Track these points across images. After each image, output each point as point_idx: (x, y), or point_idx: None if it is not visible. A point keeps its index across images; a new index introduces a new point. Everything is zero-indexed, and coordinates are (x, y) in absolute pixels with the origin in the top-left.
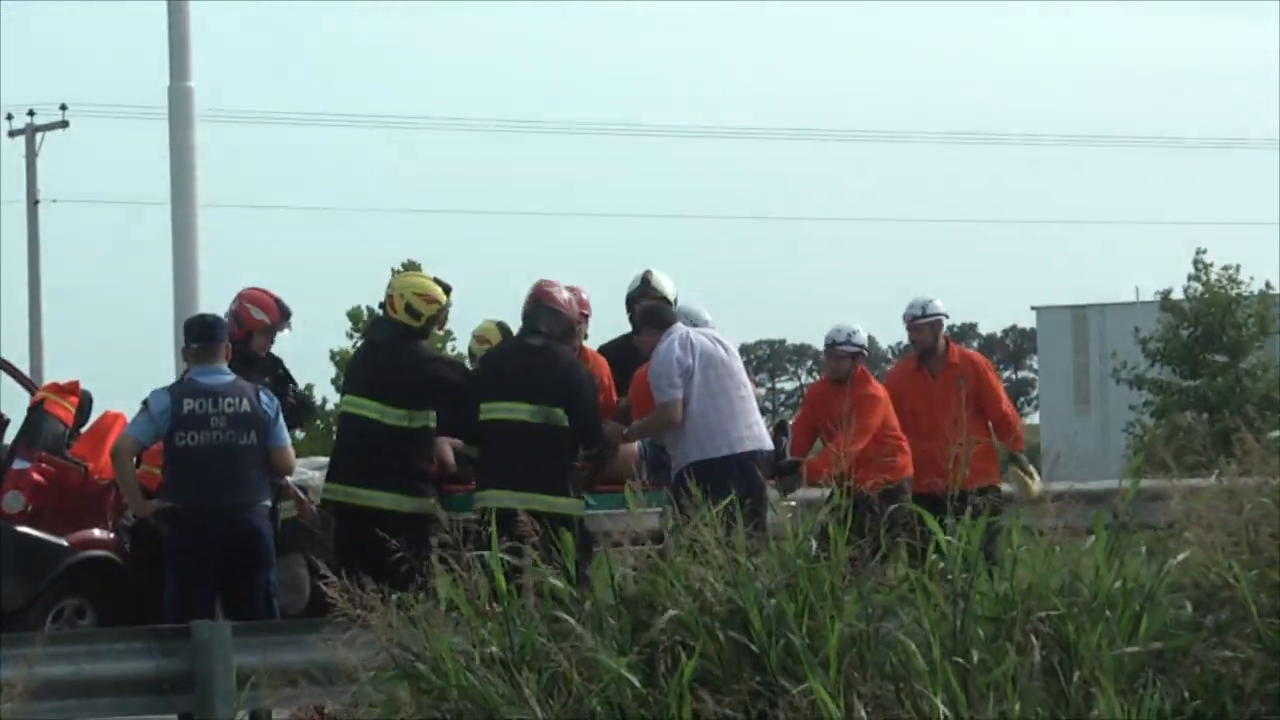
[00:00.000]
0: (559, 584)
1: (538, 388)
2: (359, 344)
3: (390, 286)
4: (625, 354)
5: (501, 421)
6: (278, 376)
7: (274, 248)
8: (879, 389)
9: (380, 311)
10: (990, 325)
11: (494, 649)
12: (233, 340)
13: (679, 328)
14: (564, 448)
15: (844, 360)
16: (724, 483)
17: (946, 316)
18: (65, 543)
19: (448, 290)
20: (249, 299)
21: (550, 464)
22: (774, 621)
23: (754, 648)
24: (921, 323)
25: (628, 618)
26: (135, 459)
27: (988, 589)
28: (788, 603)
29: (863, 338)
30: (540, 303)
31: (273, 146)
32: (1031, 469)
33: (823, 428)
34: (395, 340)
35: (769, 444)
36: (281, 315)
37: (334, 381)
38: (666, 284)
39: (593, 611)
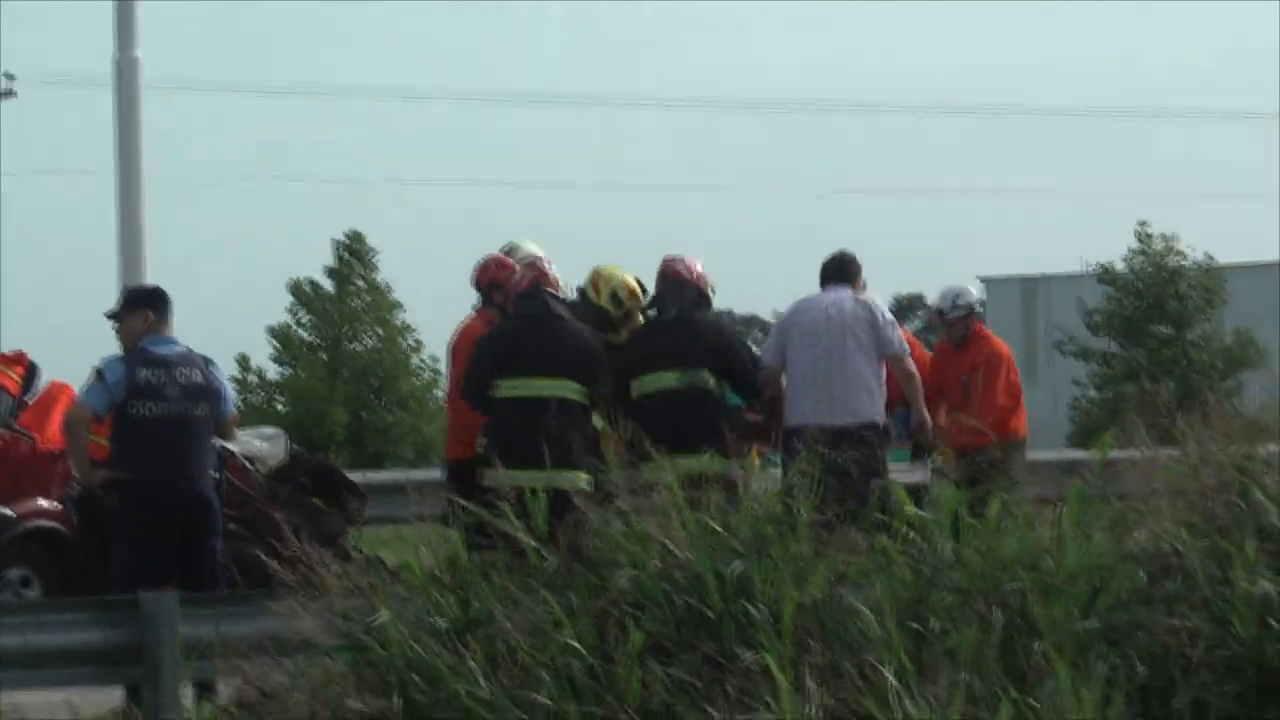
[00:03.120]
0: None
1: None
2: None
3: (595, 273)
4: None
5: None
6: None
7: (217, 219)
8: (1000, 345)
9: (577, 296)
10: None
11: (443, 620)
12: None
13: None
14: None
15: (957, 325)
16: None
17: (980, 305)
18: (12, 513)
19: (644, 290)
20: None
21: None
22: (733, 588)
23: (710, 614)
24: (952, 316)
25: (586, 579)
26: None
27: (953, 560)
28: (755, 569)
29: (972, 297)
30: (666, 279)
31: (215, 117)
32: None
33: (946, 390)
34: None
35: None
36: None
37: (274, 358)
38: (536, 253)
39: (555, 573)
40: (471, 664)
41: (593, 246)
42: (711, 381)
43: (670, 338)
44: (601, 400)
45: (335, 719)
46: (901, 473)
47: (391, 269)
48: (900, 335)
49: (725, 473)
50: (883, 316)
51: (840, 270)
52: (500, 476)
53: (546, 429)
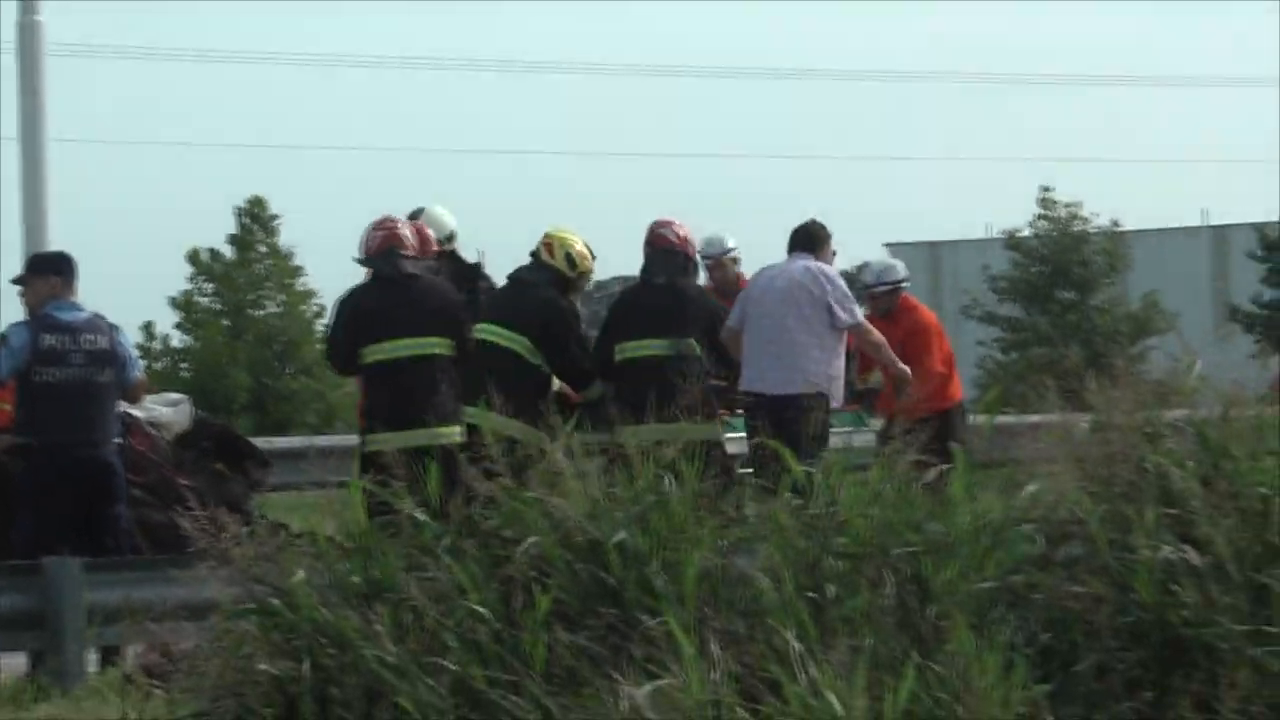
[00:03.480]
0: (423, 516)
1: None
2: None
3: (547, 236)
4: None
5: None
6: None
7: (118, 185)
8: (928, 315)
9: (530, 258)
10: (843, 261)
11: (350, 583)
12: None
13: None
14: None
15: (881, 299)
16: None
17: (907, 281)
18: None
19: (594, 257)
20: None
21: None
22: (630, 556)
23: (611, 581)
24: (878, 291)
25: (485, 551)
26: None
27: (852, 523)
28: (642, 537)
29: (898, 274)
30: (655, 244)
31: (117, 81)
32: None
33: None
34: (546, 283)
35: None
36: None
37: (178, 325)
38: (446, 219)
39: (451, 544)
40: (379, 628)
41: (492, 213)
42: (698, 349)
43: (659, 305)
44: (567, 362)
45: (244, 682)
46: (844, 437)
47: (294, 235)
48: (855, 302)
49: (709, 438)
50: (832, 288)
51: (803, 239)
52: (378, 440)
53: (417, 389)
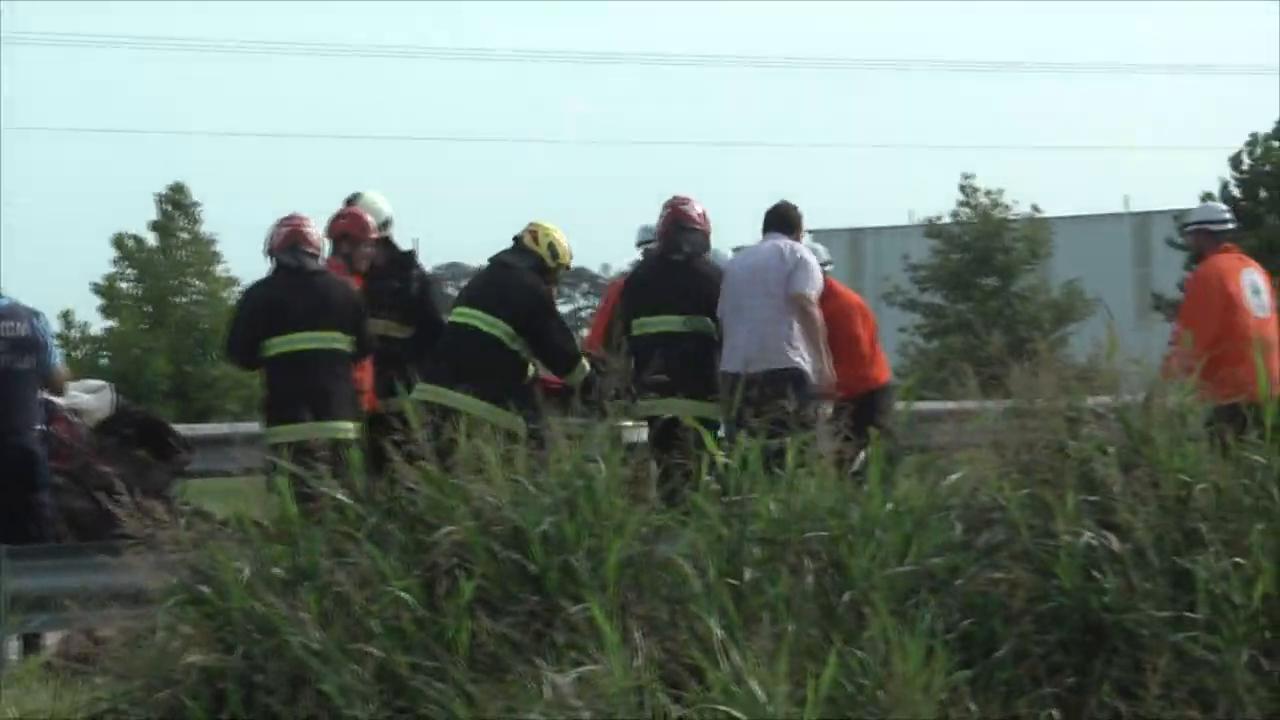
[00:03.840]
0: (346, 500)
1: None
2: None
3: (532, 225)
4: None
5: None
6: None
7: (44, 171)
8: (851, 297)
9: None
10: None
11: (278, 570)
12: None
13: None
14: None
15: None
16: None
17: (829, 265)
18: None
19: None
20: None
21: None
22: (553, 542)
23: (533, 568)
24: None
25: (410, 536)
26: None
27: (763, 510)
28: (566, 523)
29: (821, 255)
30: (680, 223)
31: (39, 67)
32: None
33: None
34: (528, 269)
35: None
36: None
37: (101, 310)
38: (381, 206)
39: (375, 529)
40: (304, 615)
41: (419, 199)
42: (712, 327)
43: (677, 281)
44: (549, 347)
45: (174, 668)
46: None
47: (215, 222)
48: (812, 276)
49: (710, 416)
50: (793, 257)
51: (776, 220)
52: (278, 433)
53: (317, 383)
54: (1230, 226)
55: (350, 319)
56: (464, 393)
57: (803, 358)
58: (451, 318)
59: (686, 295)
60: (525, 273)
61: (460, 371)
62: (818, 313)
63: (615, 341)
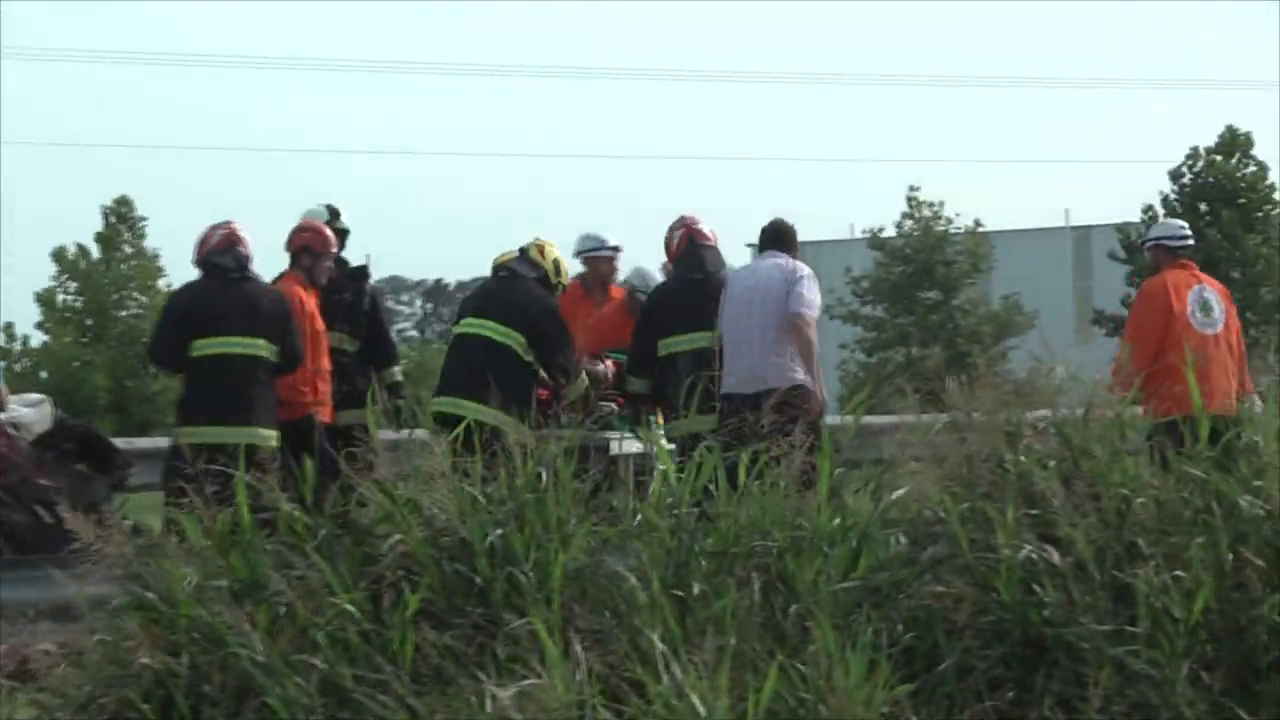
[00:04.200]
0: (295, 513)
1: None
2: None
3: (538, 240)
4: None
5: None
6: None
7: None
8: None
9: (519, 253)
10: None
11: (225, 581)
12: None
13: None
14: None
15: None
16: None
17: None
18: None
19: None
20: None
21: None
22: (499, 554)
23: (478, 580)
24: (599, 255)
25: (358, 548)
26: None
27: (722, 524)
28: (514, 535)
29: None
30: (695, 241)
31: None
32: None
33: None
34: (536, 281)
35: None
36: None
37: (39, 325)
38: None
39: (325, 541)
40: (248, 626)
41: (360, 211)
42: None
43: (704, 299)
44: (559, 360)
45: (122, 677)
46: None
47: (159, 237)
48: (808, 296)
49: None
50: (795, 276)
51: (773, 237)
52: (196, 433)
53: (240, 387)
54: (1188, 243)
55: (278, 329)
56: (479, 403)
57: (804, 377)
58: (461, 328)
59: (711, 312)
60: (534, 284)
61: (474, 382)
62: (813, 334)
63: (640, 361)
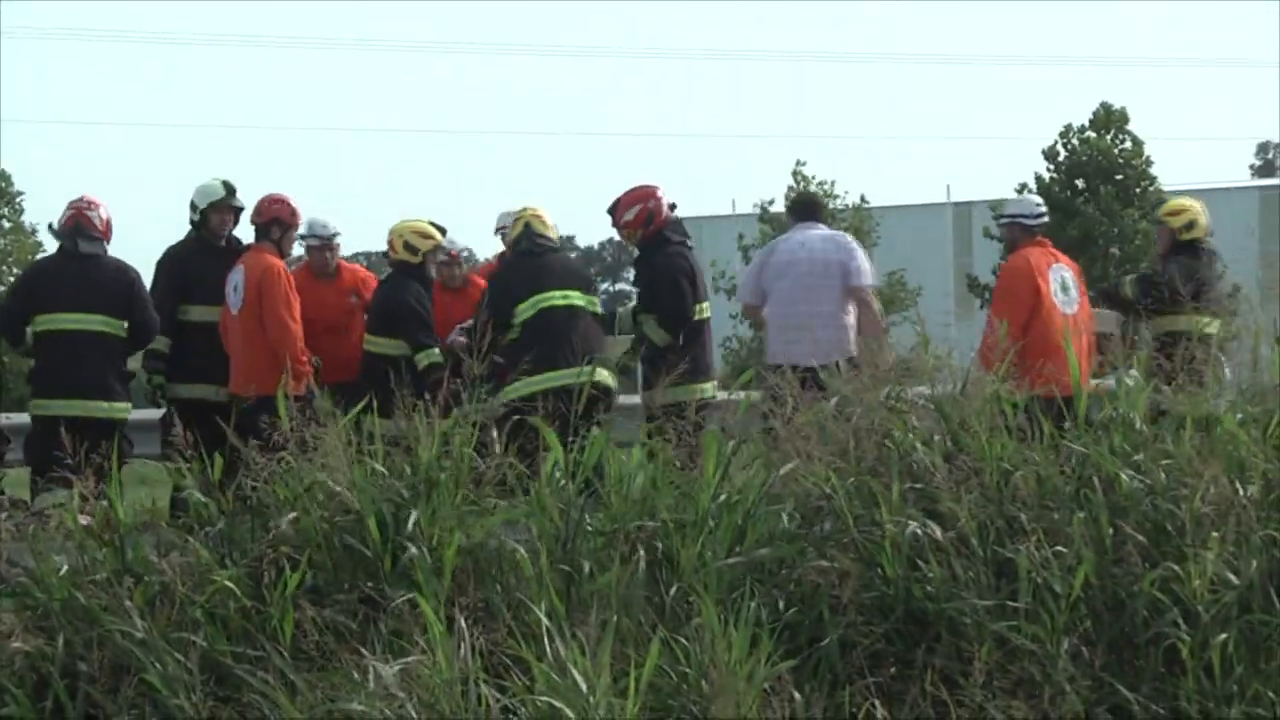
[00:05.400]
0: (200, 497)
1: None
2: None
3: (390, 233)
4: None
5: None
6: None
7: None
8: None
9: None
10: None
11: (108, 565)
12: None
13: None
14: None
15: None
16: None
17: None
18: None
19: (442, 231)
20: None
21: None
22: (391, 529)
23: (368, 554)
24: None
25: (251, 528)
26: None
27: (600, 503)
28: (407, 509)
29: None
30: (667, 211)
31: None
32: None
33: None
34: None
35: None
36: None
37: None
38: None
39: (210, 524)
40: (128, 604)
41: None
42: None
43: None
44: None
45: None
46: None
47: (38, 212)
48: (869, 267)
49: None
50: (850, 248)
51: (810, 209)
52: (37, 406)
53: (75, 361)
54: (1044, 220)
55: (118, 304)
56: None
57: (851, 347)
58: (549, 301)
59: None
60: (563, 252)
61: (582, 351)
62: (878, 304)
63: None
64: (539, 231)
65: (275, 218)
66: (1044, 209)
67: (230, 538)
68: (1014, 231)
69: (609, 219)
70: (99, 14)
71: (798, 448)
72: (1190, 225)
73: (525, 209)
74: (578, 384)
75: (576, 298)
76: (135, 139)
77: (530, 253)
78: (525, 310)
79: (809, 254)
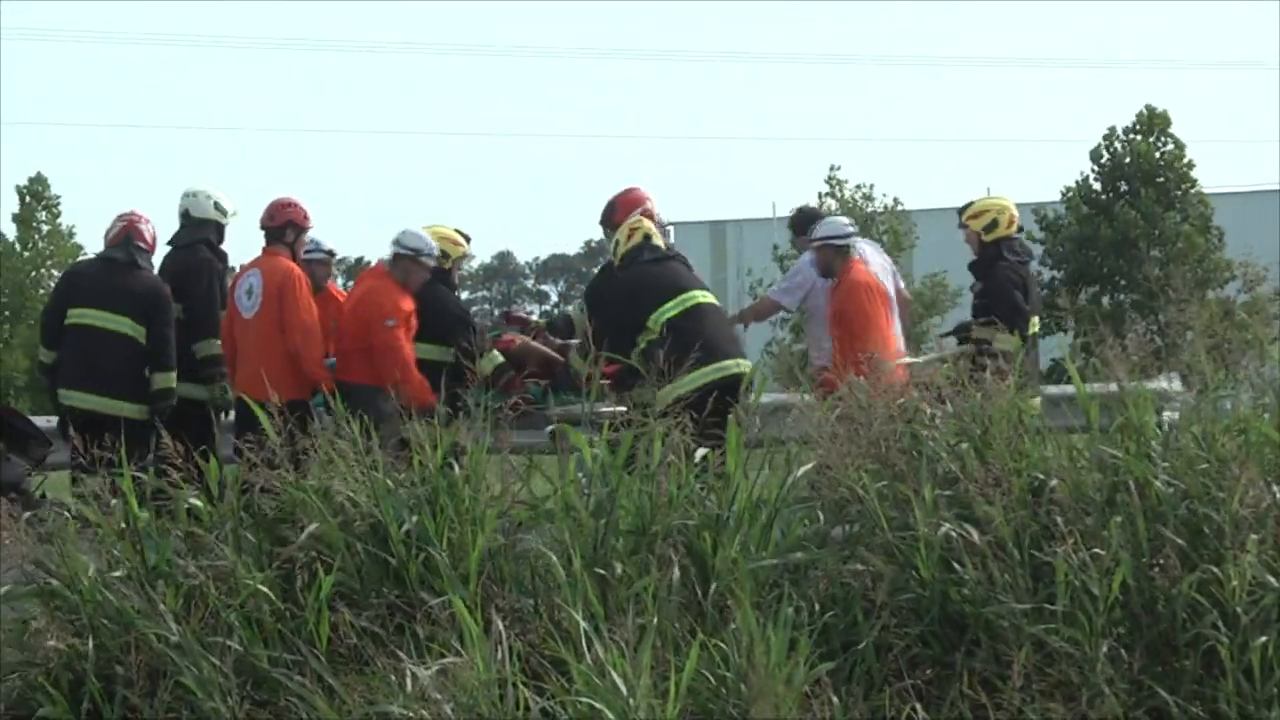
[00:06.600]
0: (198, 503)
1: None
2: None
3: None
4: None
5: None
6: None
7: None
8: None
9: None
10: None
11: (129, 565)
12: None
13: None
14: None
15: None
16: None
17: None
18: None
19: (467, 239)
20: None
21: None
22: (414, 536)
23: (393, 561)
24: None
25: (265, 536)
26: None
27: (629, 502)
28: (428, 518)
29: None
30: (649, 237)
31: None
32: None
33: None
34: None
35: None
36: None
37: None
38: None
39: (231, 530)
40: (163, 608)
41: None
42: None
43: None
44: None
45: (29, 662)
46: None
47: (75, 216)
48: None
49: None
50: (891, 262)
51: (811, 223)
52: (64, 396)
53: (95, 357)
54: (854, 239)
55: (145, 310)
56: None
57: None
58: (694, 299)
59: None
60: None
61: (736, 341)
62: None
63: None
64: (655, 242)
65: (289, 221)
66: (853, 229)
67: (253, 547)
68: (827, 254)
69: (605, 220)
70: (99, 14)
71: (829, 449)
72: (992, 225)
73: (634, 219)
74: (742, 372)
75: (712, 297)
76: (135, 139)
77: (656, 260)
78: (670, 310)
79: (874, 266)
